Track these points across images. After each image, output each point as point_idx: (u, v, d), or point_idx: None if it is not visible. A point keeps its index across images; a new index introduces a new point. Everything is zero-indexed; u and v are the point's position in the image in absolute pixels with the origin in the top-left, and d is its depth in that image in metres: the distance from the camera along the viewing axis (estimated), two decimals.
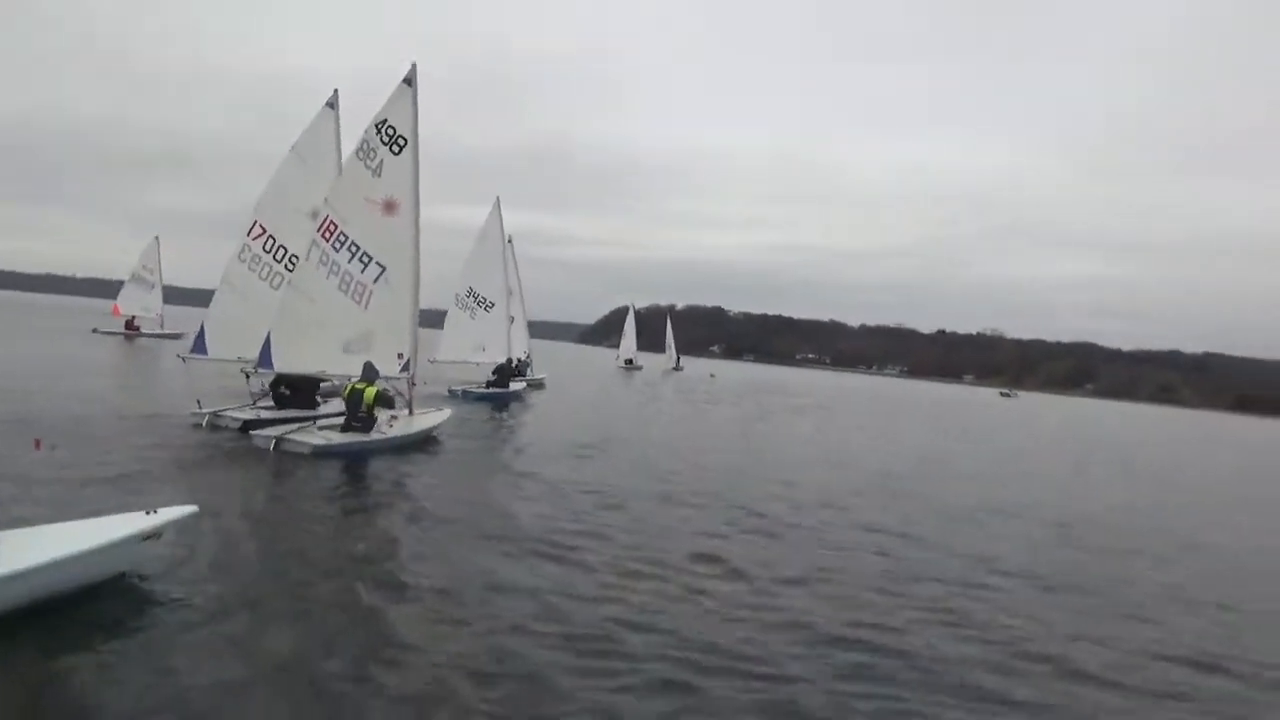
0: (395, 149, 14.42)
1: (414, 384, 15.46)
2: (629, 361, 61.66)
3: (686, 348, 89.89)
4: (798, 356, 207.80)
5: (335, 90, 17.68)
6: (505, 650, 5.73)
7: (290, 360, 13.73)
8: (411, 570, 7.33)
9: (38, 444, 7.67)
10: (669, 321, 73.47)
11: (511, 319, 30.23)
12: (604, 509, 10.73)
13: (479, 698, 4.90)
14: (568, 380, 41.49)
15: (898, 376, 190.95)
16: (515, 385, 27.40)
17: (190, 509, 6.57)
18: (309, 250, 13.88)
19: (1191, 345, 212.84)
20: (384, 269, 14.08)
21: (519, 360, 31.29)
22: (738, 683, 5.58)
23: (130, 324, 47.26)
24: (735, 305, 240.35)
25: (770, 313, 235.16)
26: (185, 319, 54.84)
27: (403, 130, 14.50)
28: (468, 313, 27.68)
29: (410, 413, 15.14)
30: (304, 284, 13.79)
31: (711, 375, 67.99)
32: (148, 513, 6.19)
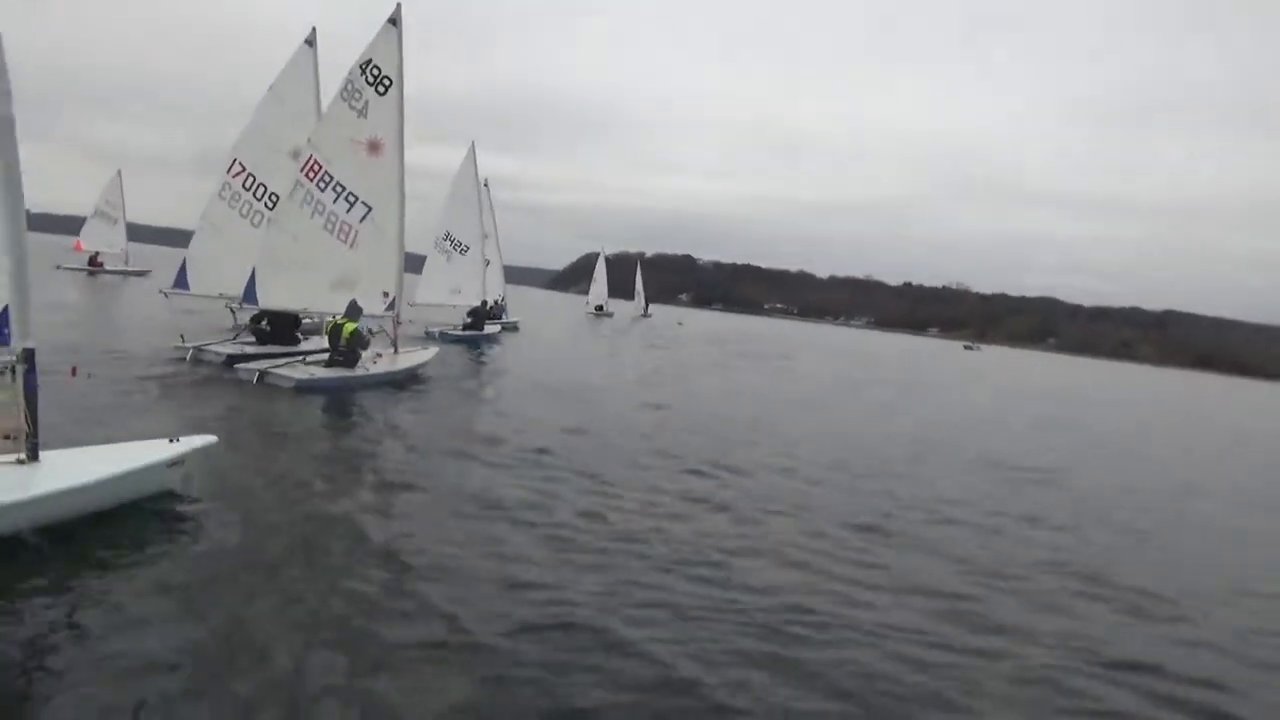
0: (380, 89, 14.66)
1: (399, 322, 15.77)
2: (599, 308, 61.19)
3: (655, 295, 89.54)
4: (766, 306, 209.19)
5: (313, 28, 17.73)
6: (495, 553, 6.42)
7: (274, 297, 14.11)
8: (405, 498, 7.91)
9: (74, 371, 7.91)
10: (638, 268, 72.99)
11: (487, 262, 30.71)
12: (572, 436, 11.52)
13: (493, 613, 5.42)
14: (538, 325, 41.89)
15: (864, 328, 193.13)
16: (490, 328, 27.88)
17: (211, 439, 7.07)
18: (292, 190, 14.18)
19: (1152, 303, 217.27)
20: (370, 209, 14.42)
21: (494, 303, 31.84)
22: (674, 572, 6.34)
23: (94, 260, 46.31)
24: (705, 254, 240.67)
25: (740, 262, 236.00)
26: (149, 256, 54.01)
27: (388, 70, 14.72)
28: (444, 256, 28.02)
29: (395, 351, 15.43)
30: (287, 223, 14.12)
31: (679, 323, 68.35)
32: (171, 440, 6.67)
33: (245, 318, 15.46)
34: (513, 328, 34.92)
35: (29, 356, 5.76)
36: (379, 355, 14.62)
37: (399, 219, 14.85)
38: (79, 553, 5.37)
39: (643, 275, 71.83)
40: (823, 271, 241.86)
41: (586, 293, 66.34)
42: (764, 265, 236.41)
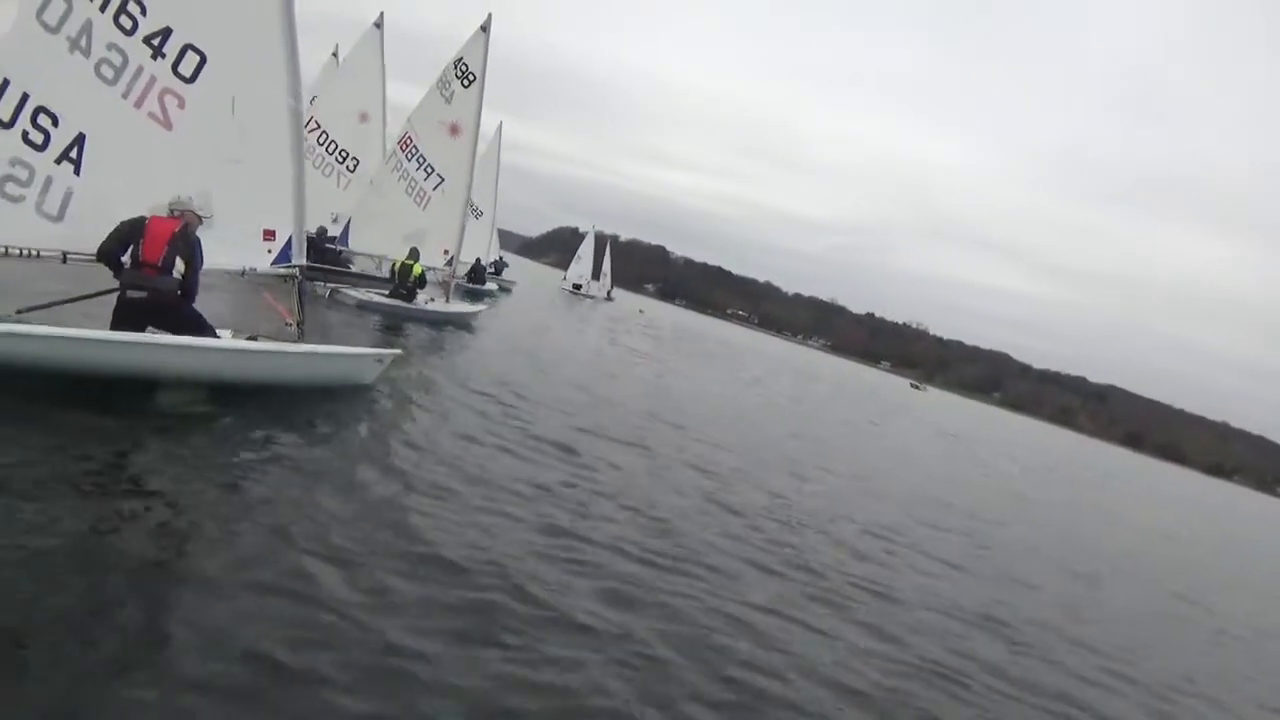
0: (466, 83, 18.31)
1: (454, 276, 19.49)
2: (577, 286, 61.26)
3: (622, 281, 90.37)
4: (729, 311, 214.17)
5: (381, 13, 21.68)
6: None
7: (362, 241, 17.75)
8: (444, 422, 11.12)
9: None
10: (608, 250, 71.52)
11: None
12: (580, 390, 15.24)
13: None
14: (521, 292, 45.18)
15: (820, 350, 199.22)
16: (487, 285, 31.84)
17: (397, 351, 10.17)
18: (388, 158, 17.86)
19: (1098, 375, 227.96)
20: (443, 180, 18.10)
21: (494, 261, 35.83)
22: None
23: None
24: (679, 249, 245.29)
25: (711, 263, 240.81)
26: None
27: (474, 68, 18.36)
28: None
29: (448, 300, 18.77)
30: (380, 184, 17.84)
31: (640, 311, 68.56)
32: (375, 349, 9.89)
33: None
34: (508, 288, 39.28)
35: (301, 270, 8.98)
36: (431, 299, 18.10)
37: (466, 190, 18.63)
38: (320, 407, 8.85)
39: (612, 258, 70.60)
40: (790, 287, 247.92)
41: (557, 265, 66.96)
42: (735, 271, 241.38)
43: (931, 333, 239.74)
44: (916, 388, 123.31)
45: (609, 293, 69.32)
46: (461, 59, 18.27)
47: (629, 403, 14.65)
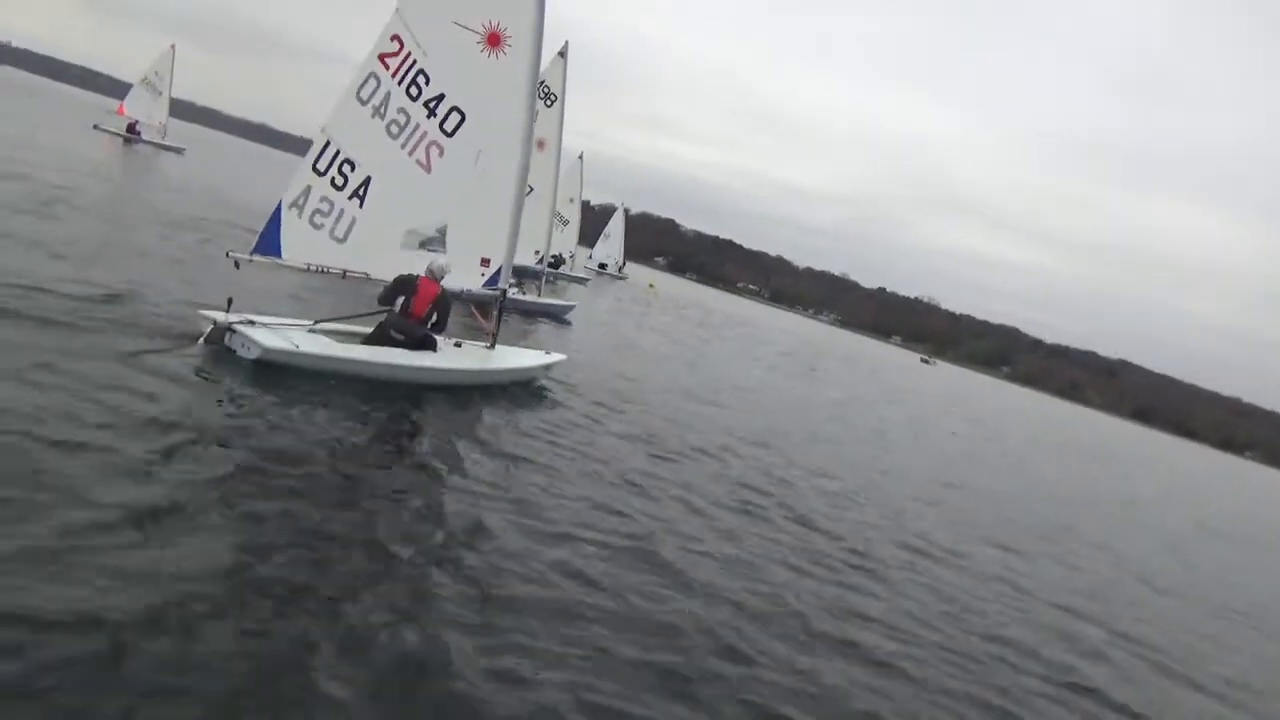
0: (548, 103, 20.89)
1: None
2: (602, 266, 59.18)
3: (633, 254, 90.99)
4: (739, 284, 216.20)
5: (566, 42, 23.31)
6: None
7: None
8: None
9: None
10: (622, 224, 66.91)
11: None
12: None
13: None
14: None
15: (831, 324, 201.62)
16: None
17: (562, 356, 12.30)
18: None
19: (1110, 350, 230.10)
20: (531, 189, 20.43)
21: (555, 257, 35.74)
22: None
23: (131, 128, 48.13)
24: (690, 221, 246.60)
25: (723, 236, 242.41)
26: (185, 134, 57.83)
27: (554, 89, 20.93)
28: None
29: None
30: None
31: (650, 285, 68.76)
32: (546, 352, 12.18)
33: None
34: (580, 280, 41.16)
35: (504, 293, 11.35)
36: (523, 291, 19.51)
37: (552, 199, 21.28)
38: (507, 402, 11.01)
39: (625, 232, 65.97)
40: (801, 261, 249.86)
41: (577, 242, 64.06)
42: (745, 244, 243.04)
43: (943, 307, 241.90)
44: (926, 362, 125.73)
45: (621, 268, 66.77)
46: (544, 81, 20.76)
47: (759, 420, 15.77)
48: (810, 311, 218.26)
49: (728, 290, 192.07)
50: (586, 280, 44.76)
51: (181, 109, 54.36)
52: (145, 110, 50.11)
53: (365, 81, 9.46)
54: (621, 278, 63.14)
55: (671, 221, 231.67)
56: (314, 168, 9.41)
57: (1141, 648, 8.59)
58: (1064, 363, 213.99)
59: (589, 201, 65.20)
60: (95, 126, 47.40)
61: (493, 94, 10.07)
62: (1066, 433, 53.67)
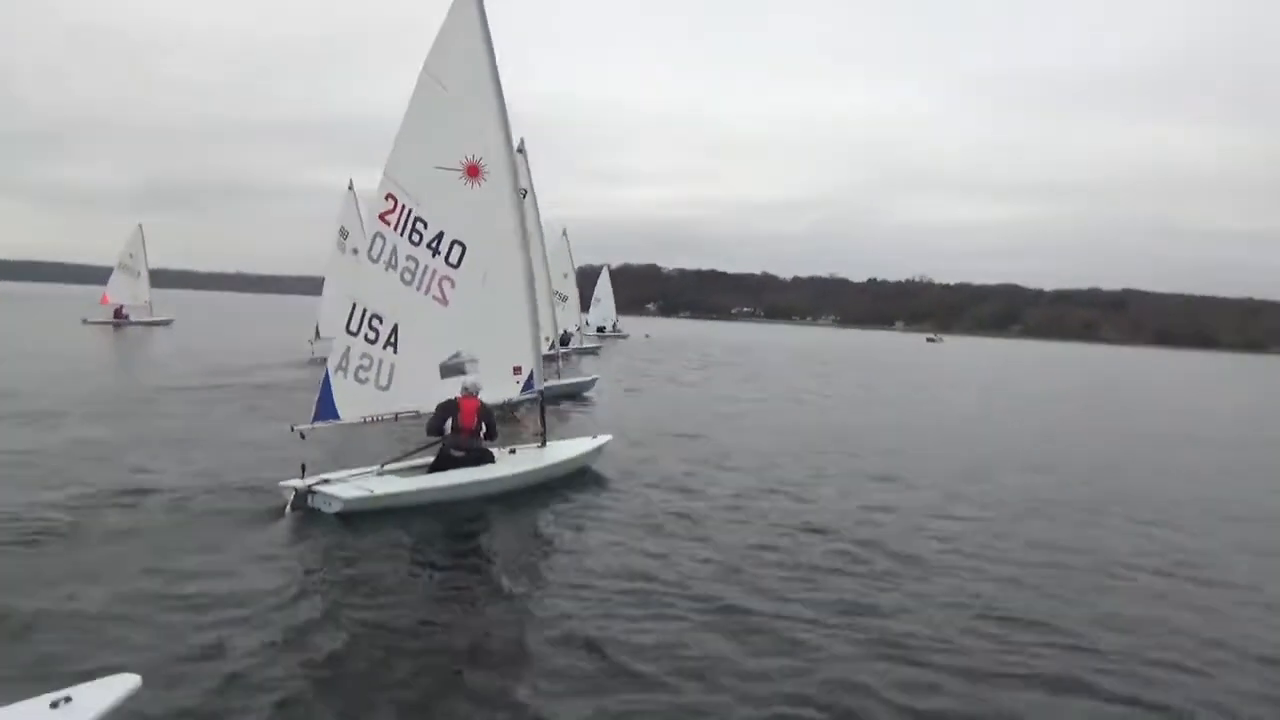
0: (521, 198, 21.89)
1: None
2: (601, 330, 57.45)
3: (623, 306, 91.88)
4: (733, 310, 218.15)
5: (521, 139, 24.65)
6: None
7: None
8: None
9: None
10: (608, 279, 64.95)
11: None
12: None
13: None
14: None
15: (831, 326, 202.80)
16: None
17: (608, 437, 12.92)
18: None
19: (1109, 283, 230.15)
20: None
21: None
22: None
23: (118, 313, 49.02)
24: (669, 262, 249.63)
25: (705, 268, 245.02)
26: (169, 302, 59.25)
27: (522, 184, 21.76)
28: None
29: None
30: None
31: (647, 336, 68.81)
32: (593, 437, 12.80)
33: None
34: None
35: (541, 394, 12.05)
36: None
37: (546, 291, 22.13)
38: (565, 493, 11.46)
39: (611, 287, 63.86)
40: (786, 273, 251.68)
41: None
42: (729, 270, 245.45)
43: (936, 282, 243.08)
44: (932, 340, 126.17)
45: (615, 326, 64.21)
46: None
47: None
48: (808, 319, 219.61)
49: (723, 319, 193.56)
50: (598, 349, 46.03)
51: (158, 278, 55.50)
52: (129, 293, 51.16)
53: (373, 242, 10.39)
54: (623, 336, 62.44)
55: (654, 266, 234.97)
56: (348, 330, 10.28)
57: None
58: (1071, 306, 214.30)
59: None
60: (84, 321, 48.25)
61: (483, 218, 10.80)
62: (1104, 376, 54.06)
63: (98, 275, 68.33)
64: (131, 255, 51.44)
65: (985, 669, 6.14)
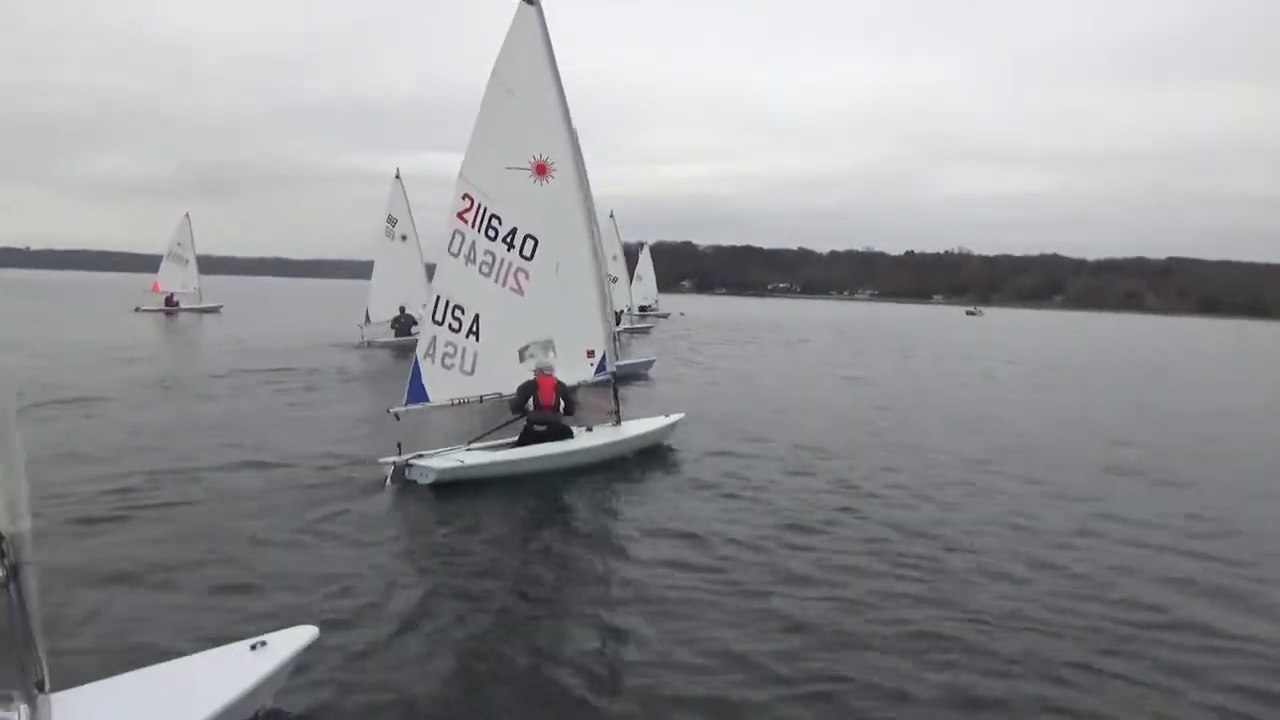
0: None
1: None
2: (643, 309, 55.79)
3: (660, 284, 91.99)
4: (769, 287, 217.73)
5: None
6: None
7: None
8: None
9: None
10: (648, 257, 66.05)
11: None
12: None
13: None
14: None
15: (868, 300, 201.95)
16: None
17: (681, 415, 13.61)
18: None
19: (1155, 251, 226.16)
20: None
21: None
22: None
23: (169, 300, 50.53)
24: (704, 239, 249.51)
25: (739, 244, 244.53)
26: (216, 288, 60.73)
27: None
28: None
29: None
30: None
31: (681, 313, 68.52)
32: (666, 415, 13.52)
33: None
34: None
35: (615, 375, 12.85)
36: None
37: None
38: (638, 467, 12.23)
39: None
40: (822, 247, 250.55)
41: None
42: (764, 246, 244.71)
43: (975, 253, 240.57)
44: (972, 313, 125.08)
45: (655, 303, 64.33)
46: None
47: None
48: (844, 294, 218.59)
49: (759, 295, 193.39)
50: (650, 329, 46.20)
51: (204, 265, 56.96)
52: (178, 280, 52.54)
53: (452, 239, 11.31)
54: (662, 315, 61.89)
55: (689, 244, 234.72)
56: (434, 320, 11.28)
57: None
58: (1115, 276, 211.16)
59: None
60: (136, 309, 49.64)
61: (553, 212, 11.64)
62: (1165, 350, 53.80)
63: (140, 264, 69.69)
64: (180, 244, 52.76)
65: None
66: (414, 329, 31.65)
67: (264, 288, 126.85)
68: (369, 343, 29.77)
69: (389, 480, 10.11)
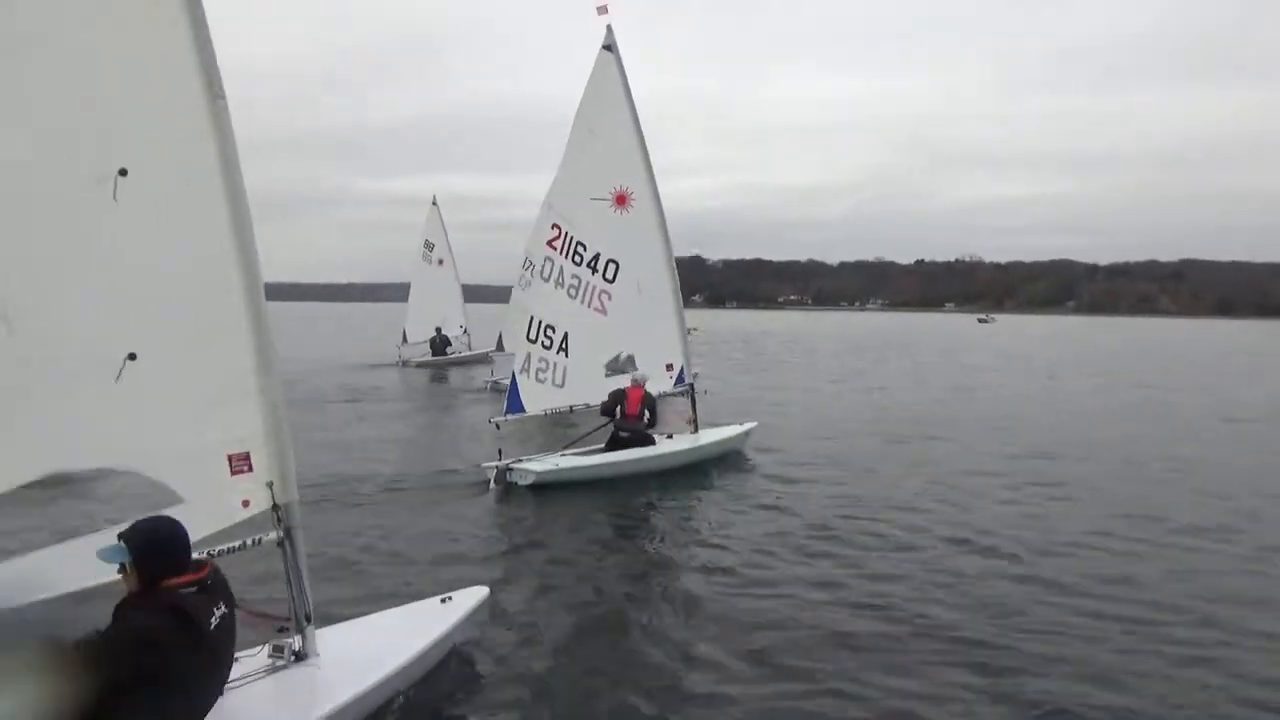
0: None
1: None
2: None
3: None
4: (780, 299, 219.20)
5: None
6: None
7: None
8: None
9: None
10: None
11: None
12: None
13: None
14: None
15: (879, 310, 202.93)
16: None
17: (754, 423, 14.77)
18: None
19: (1167, 254, 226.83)
20: None
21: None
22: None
23: None
24: (713, 253, 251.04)
25: (748, 257, 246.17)
26: None
27: None
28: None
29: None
30: None
31: (692, 329, 71.27)
32: (740, 424, 14.65)
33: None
34: None
35: (691, 386, 13.97)
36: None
37: None
38: (714, 471, 13.33)
39: None
40: (832, 258, 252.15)
41: None
42: (774, 259, 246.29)
43: (986, 260, 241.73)
44: (984, 321, 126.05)
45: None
46: None
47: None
48: (855, 304, 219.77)
49: (770, 308, 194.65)
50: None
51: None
52: None
53: (544, 265, 12.63)
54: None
55: (697, 258, 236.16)
56: (528, 338, 12.51)
57: None
58: (1127, 280, 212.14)
59: None
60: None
61: (632, 238, 12.86)
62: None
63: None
64: None
65: None
66: (449, 349, 33.19)
67: (285, 311, 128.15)
68: (404, 362, 31.09)
69: (493, 482, 11.29)
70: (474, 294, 38.48)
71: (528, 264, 25.09)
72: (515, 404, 12.42)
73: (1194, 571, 8.08)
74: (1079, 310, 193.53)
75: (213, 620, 3.62)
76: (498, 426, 12.27)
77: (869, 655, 6.08)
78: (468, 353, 32.01)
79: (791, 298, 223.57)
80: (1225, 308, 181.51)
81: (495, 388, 22.76)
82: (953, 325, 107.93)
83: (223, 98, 4.48)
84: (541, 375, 12.56)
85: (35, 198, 3.92)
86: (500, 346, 25.49)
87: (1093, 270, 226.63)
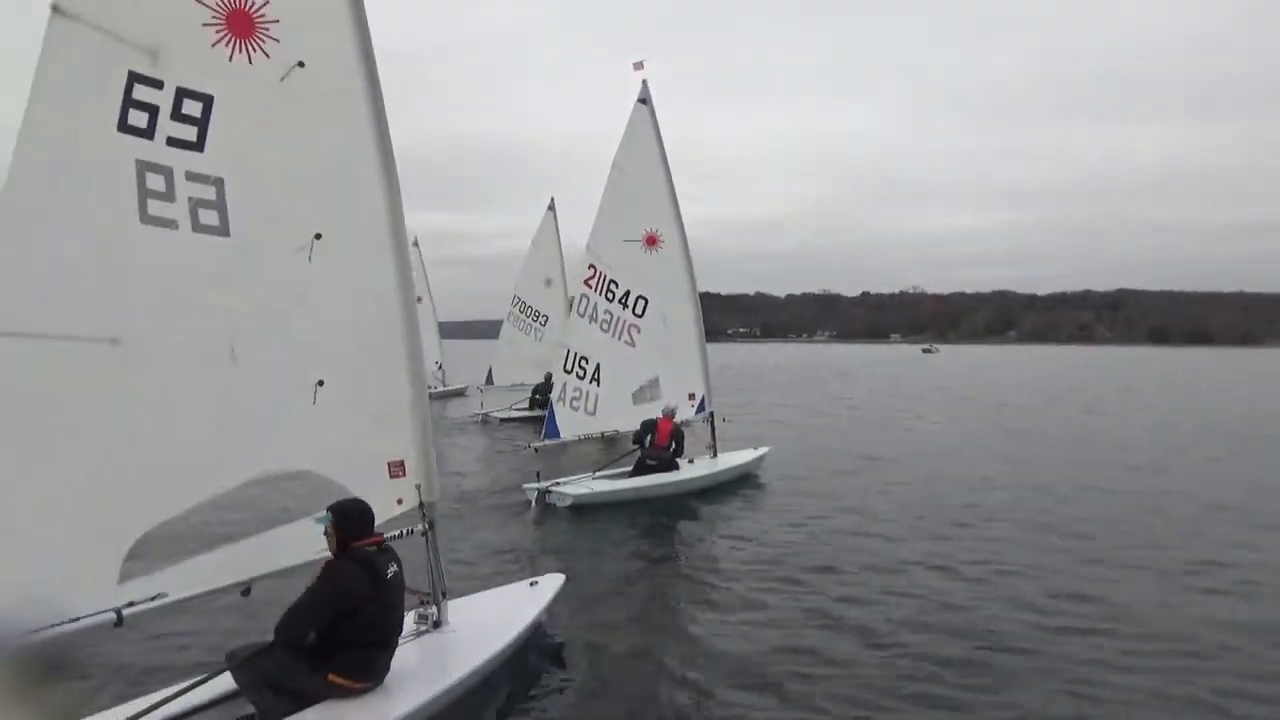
0: None
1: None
2: None
3: None
4: (729, 331, 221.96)
5: (551, 198, 26.60)
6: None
7: None
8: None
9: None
10: None
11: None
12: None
13: None
14: None
15: (827, 342, 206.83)
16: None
17: (767, 448, 15.84)
18: None
19: (1103, 284, 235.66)
20: None
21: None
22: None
23: None
24: None
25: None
26: None
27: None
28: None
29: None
30: None
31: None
32: (754, 449, 15.75)
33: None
34: None
35: (711, 414, 15.02)
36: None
37: None
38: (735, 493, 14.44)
39: None
40: (779, 290, 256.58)
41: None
42: (721, 292, 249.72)
43: (929, 292, 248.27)
44: (928, 351, 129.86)
45: None
46: None
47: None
48: (804, 336, 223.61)
49: (720, 340, 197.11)
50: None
51: None
52: None
53: (580, 301, 13.81)
54: None
55: None
56: (565, 369, 13.66)
57: None
58: (1066, 309, 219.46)
59: None
60: None
61: (662, 276, 14.11)
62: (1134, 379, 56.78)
63: None
64: None
65: None
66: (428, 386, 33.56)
67: None
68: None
69: (533, 503, 12.34)
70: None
71: (516, 300, 26.20)
72: (553, 430, 13.44)
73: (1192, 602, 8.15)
74: (1020, 339, 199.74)
75: (389, 572, 4.95)
76: (536, 450, 13.27)
77: (869, 655, 6.65)
78: (442, 388, 32.61)
79: (740, 330, 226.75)
80: (1159, 336, 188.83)
81: (485, 420, 23.93)
82: (898, 355, 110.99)
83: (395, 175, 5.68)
84: (575, 404, 13.59)
85: (260, 261, 5.08)
86: (490, 380, 26.25)
87: (1032, 300, 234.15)
